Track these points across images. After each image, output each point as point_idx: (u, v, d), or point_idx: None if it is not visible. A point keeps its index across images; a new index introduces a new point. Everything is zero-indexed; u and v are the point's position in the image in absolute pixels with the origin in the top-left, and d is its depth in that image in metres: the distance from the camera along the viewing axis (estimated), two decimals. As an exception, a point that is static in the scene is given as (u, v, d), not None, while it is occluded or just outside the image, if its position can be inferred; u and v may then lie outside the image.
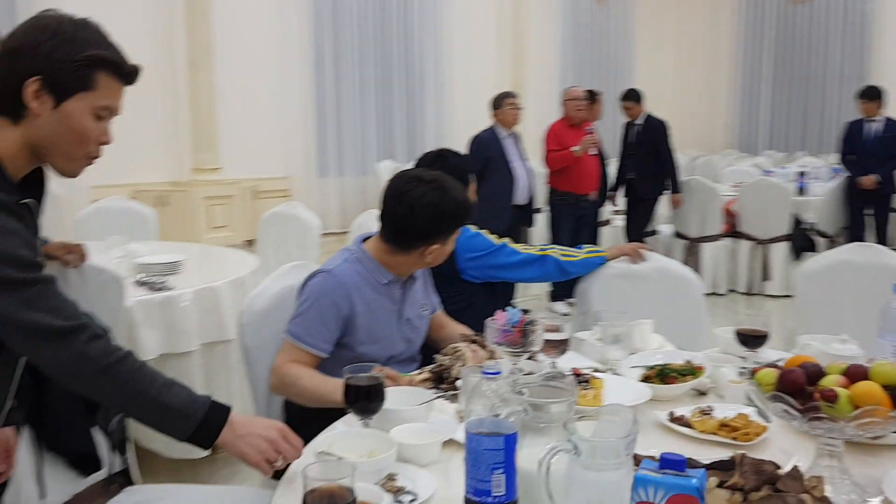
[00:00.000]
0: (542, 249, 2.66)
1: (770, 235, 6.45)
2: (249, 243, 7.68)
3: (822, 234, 6.76)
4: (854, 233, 6.69)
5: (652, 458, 1.05)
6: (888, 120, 6.60)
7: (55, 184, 4.92)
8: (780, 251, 6.43)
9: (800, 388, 1.39)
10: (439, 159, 2.68)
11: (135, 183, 7.11)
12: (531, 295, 6.57)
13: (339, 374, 1.98)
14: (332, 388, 1.84)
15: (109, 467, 2.07)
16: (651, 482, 0.97)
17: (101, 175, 6.74)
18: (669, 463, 0.96)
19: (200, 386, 2.96)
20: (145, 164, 7.34)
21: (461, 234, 2.52)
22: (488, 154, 5.31)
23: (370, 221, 3.85)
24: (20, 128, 1.34)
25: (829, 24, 12.54)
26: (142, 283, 2.90)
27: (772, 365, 1.54)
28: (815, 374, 1.43)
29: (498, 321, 1.79)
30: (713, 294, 6.48)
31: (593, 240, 6.29)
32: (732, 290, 6.63)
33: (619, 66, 13.36)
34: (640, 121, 6.39)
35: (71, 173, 1.43)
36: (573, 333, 2.06)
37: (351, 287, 2.01)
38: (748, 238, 6.53)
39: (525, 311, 1.85)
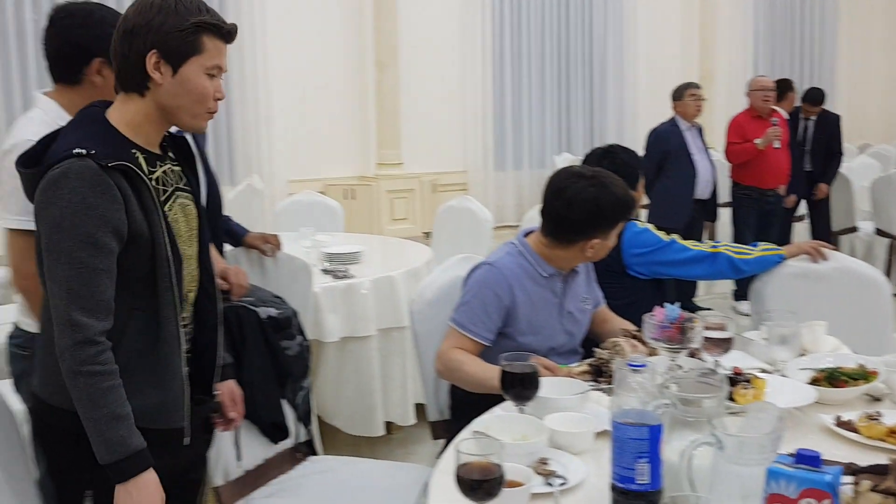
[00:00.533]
0: (713, 246, 2.61)
1: None
2: (427, 235, 7.99)
3: None
4: None
5: (790, 454, 1.06)
6: None
7: (257, 179, 5.41)
8: None
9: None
10: (607, 156, 2.70)
11: (325, 178, 7.62)
12: (716, 293, 6.35)
13: (499, 362, 2.09)
14: (491, 374, 1.94)
15: (295, 437, 2.29)
16: (784, 475, 0.98)
17: (297, 171, 7.36)
18: (804, 458, 0.97)
19: (377, 369, 3.17)
20: (335, 160, 7.84)
21: (628, 230, 2.53)
22: (667, 147, 5.20)
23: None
24: (146, 99, 1.51)
25: None
26: (327, 272, 3.16)
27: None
28: None
29: (656, 317, 1.80)
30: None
31: (784, 238, 5.98)
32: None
33: (821, 54, 12.45)
34: (813, 116, 6.06)
35: (198, 128, 1.59)
36: (738, 332, 2.03)
37: (512, 279, 2.10)
38: (961, 237, 5.95)
39: (693, 310, 1.85)
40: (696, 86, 5.44)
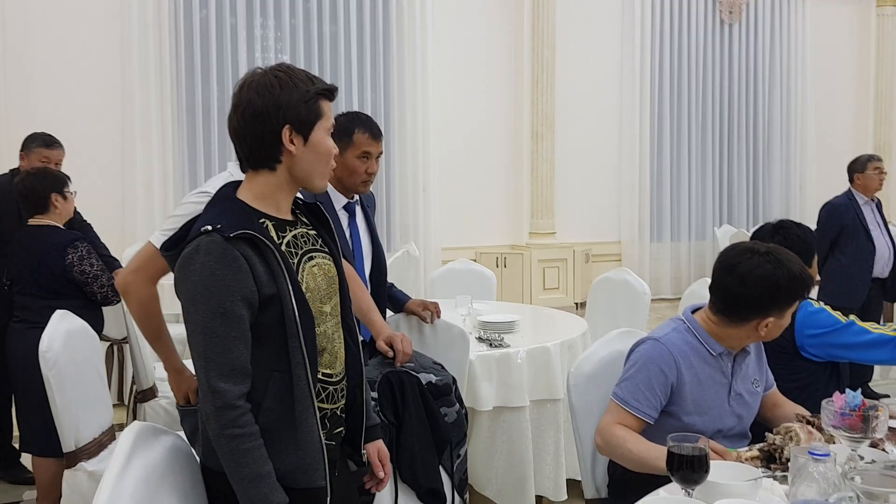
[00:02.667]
0: (895, 330, 2.44)
1: None
2: (579, 305, 7.92)
3: None
4: None
5: None
6: None
7: (413, 246, 5.60)
8: None
9: None
10: (779, 231, 2.63)
11: (478, 245, 7.78)
12: (893, 378, 5.88)
13: (662, 441, 2.03)
14: (656, 454, 1.89)
15: (450, 504, 2.32)
16: None
17: (451, 238, 7.56)
18: None
19: (529, 440, 3.15)
20: (488, 228, 8.00)
21: (802, 309, 2.43)
22: (843, 221, 4.96)
23: (703, 290, 3.81)
24: (277, 171, 1.61)
25: None
26: (482, 340, 3.21)
27: None
28: None
29: (836, 403, 1.71)
30: None
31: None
32: None
33: None
34: None
35: (323, 187, 1.68)
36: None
37: (679, 356, 2.05)
38: None
39: (869, 395, 1.75)
40: (878, 158, 5.18)
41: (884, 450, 1.82)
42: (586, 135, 8.42)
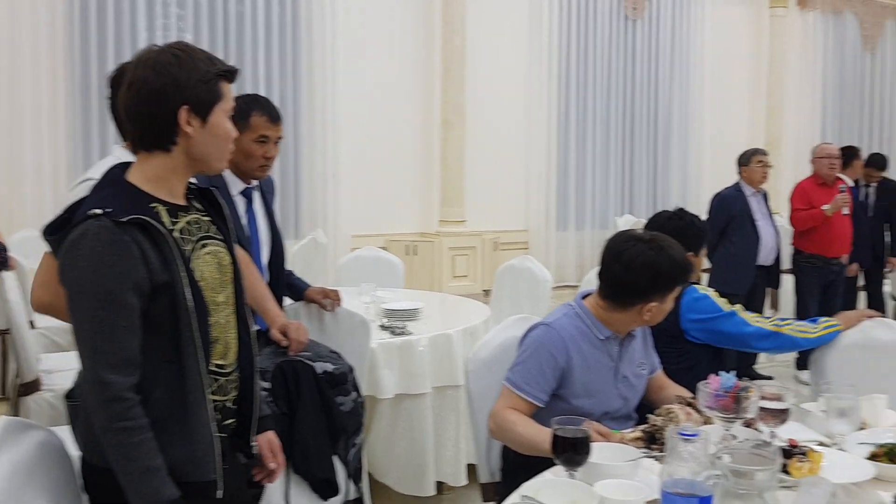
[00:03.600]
0: (776, 325, 2.56)
1: None
2: (487, 293, 8.01)
3: None
4: None
5: None
6: None
7: (321, 233, 5.53)
8: None
9: None
10: (674, 219, 2.72)
11: (388, 233, 7.75)
12: (777, 360, 6.18)
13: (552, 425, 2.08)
14: (543, 436, 1.93)
15: (345, 494, 2.31)
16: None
17: (361, 226, 7.51)
18: None
19: (430, 427, 3.17)
20: (399, 215, 7.99)
21: (687, 294, 2.52)
22: (731, 212, 5.16)
23: (599, 277, 3.91)
24: (172, 153, 1.56)
25: None
26: (385, 328, 3.21)
27: None
28: None
29: (711, 385, 1.79)
30: None
31: (848, 307, 5.81)
32: None
33: (890, 121, 12.22)
34: (874, 182, 6.00)
35: (222, 168, 1.65)
36: (797, 403, 1.98)
37: (569, 340, 2.10)
38: None
39: (753, 377, 1.83)
40: (763, 152, 5.40)
41: (756, 429, 1.91)
42: (496, 124, 8.49)
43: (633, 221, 8.74)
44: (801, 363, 5.59)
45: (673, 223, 2.69)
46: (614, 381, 2.15)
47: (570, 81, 9.06)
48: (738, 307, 2.57)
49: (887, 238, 6.01)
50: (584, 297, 2.21)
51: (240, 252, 1.79)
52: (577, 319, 2.14)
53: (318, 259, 5.78)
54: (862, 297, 6.22)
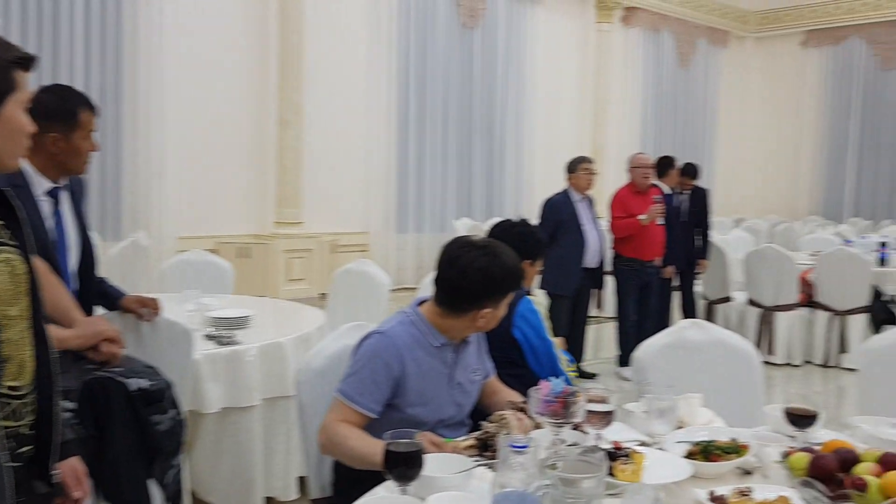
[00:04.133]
0: (566, 375, 2.67)
1: (848, 307, 6.20)
2: (325, 297, 7.87)
3: (906, 307, 6.46)
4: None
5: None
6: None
7: (144, 235, 5.17)
8: (859, 323, 6.17)
9: (830, 475, 1.36)
10: (515, 228, 2.80)
11: (218, 235, 7.43)
12: (601, 358, 6.49)
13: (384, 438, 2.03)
14: (374, 450, 1.87)
15: (163, 518, 2.14)
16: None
17: (188, 226, 7.14)
18: None
19: (259, 441, 3.03)
20: (230, 216, 7.67)
21: (522, 305, 2.58)
22: (560, 217, 5.34)
23: (436, 282, 3.91)
24: None
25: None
26: (211, 337, 3.02)
27: (807, 449, 1.50)
28: (849, 460, 1.40)
29: (541, 391, 1.80)
30: (788, 365, 6.27)
31: (663, 306, 6.19)
32: (808, 362, 6.38)
33: (702, 132, 13.24)
34: (688, 189, 6.43)
35: (14, 167, 1.50)
36: (620, 405, 2.04)
37: (403, 348, 2.06)
38: (825, 309, 6.30)
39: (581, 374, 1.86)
40: (588, 160, 5.63)
41: (583, 431, 1.95)
42: (335, 124, 8.37)
43: (470, 225, 8.90)
44: (623, 360, 5.89)
45: (515, 231, 2.78)
46: (448, 388, 2.13)
47: (410, 84, 9.10)
48: (557, 341, 2.66)
49: (698, 242, 6.45)
50: (420, 303, 2.18)
51: (37, 261, 1.60)
52: (411, 327, 2.10)
53: (140, 263, 5.40)
54: (676, 297, 6.63)
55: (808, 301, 6.40)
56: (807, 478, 1.34)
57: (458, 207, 9.75)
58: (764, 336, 6.29)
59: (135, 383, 2.04)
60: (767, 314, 6.35)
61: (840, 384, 5.94)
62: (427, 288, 4.00)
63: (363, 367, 2.03)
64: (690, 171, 6.45)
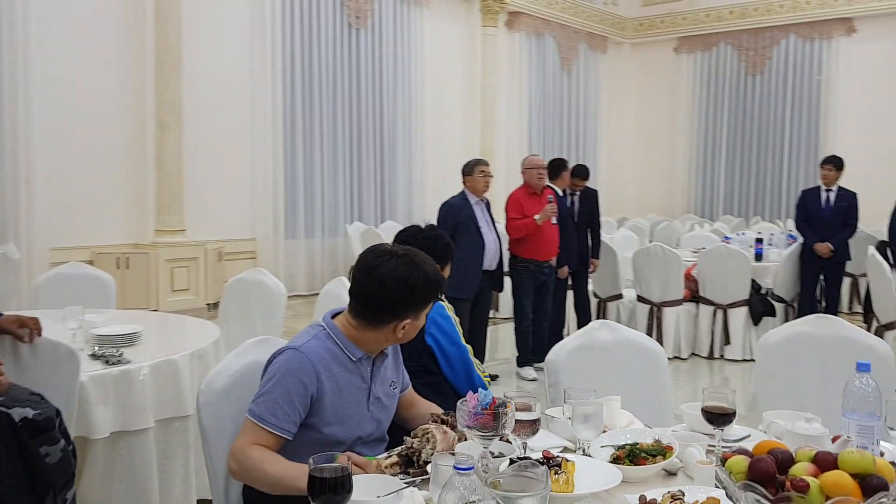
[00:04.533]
0: (482, 381, 2.63)
1: (729, 301, 6.50)
2: (211, 307, 7.55)
3: (780, 300, 6.83)
4: (807, 298, 6.79)
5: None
6: (840, 189, 6.77)
7: (12, 247, 4.78)
8: (740, 316, 6.48)
9: (770, 477, 1.36)
10: (422, 234, 2.73)
11: (95, 245, 6.99)
12: (499, 359, 6.52)
13: (302, 456, 1.91)
14: (294, 473, 1.76)
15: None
16: None
17: (61, 237, 6.67)
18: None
19: (154, 465, 2.83)
20: (107, 225, 7.24)
21: (434, 311, 2.51)
22: (458, 220, 5.31)
23: (340, 289, 3.77)
24: None
25: (782, 95, 12.95)
26: (97, 357, 2.79)
27: (742, 451, 1.51)
28: (785, 461, 1.41)
29: (469, 403, 1.73)
30: (676, 358, 6.49)
31: (558, 305, 6.29)
32: (694, 354, 6.64)
33: (584, 134, 13.63)
34: (579, 190, 6.55)
35: None
36: (543, 411, 2.01)
37: (319, 364, 1.94)
38: (709, 303, 6.58)
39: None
40: (485, 162, 5.63)
41: (508, 441, 1.90)
42: (218, 127, 8.05)
43: (363, 229, 8.78)
44: (522, 361, 5.94)
45: (424, 236, 2.70)
46: (367, 403, 2.03)
47: (296, 84, 8.88)
48: (470, 348, 2.61)
49: (589, 242, 6.59)
50: (334, 316, 2.06)
51: None
52: (327, 341, 1.99)
53: (10, 278, 4.98)
54: (570, 296, 6.75)
55: (693, 296, 6.66)
56: (747, 482, 1.32)
57: (349, 211, 9.61)
58: (652, 331, 6.49)
59: (19, 413, 1.84)
60: (656, 310, 6.56)
61: (725, 374, 6.21)
62: (328, 295, 3.88)
63: (276, 386, 1.90)
64: (581, 172, 6.58)
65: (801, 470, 1.35)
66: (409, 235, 2.70)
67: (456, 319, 2.60)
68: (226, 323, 4.05)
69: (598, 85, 13.83)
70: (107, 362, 2.73)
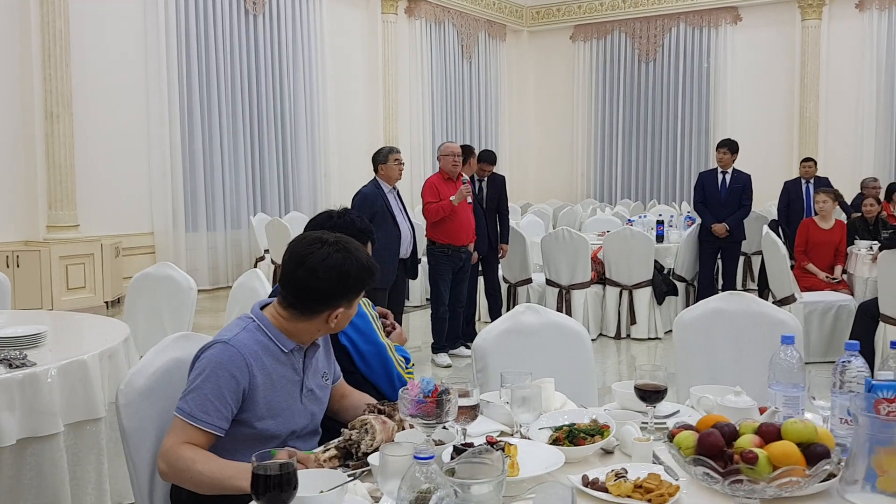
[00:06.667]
0: (408, 373, 2.51)
1: (634, 281, 6.69)
2: (110, 304, 7.21)
3: (681, 279, 7.09)
4: (706, 277, 7.08)
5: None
6: (735, 171, 7.06)
7: None
8: (645, 296, 6.68)
9: (719, 451, 1.39)
10: (333, 220, 2.56)
11: (-18, 243, 6.56)
12: (412, 347, 6.50)
13: (234, 453, 1.83)
14: (232, 472, 1.69)
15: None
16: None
17: (-57, 236, 6.21)
18: None
19: (65, 471, 2.67)
20: (-6, 222, 6.80)
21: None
22: (374, 209, 5.23)
23: (253, 281, 3.66)
24: None
25: (675, 81, 13.42)
26: (-1, 360, 2.60)
27: (687, 426, 1.54)
28: (730, 434, 1.44)
29: (411, 392, 1.70)
30: (586, 339, 6.61)
31: (472, 290, 6.32)
32: (602, 335, 6.81)
33: (487, 121, 13.74)
34: (487, 175, 6.52)
35: None
36: (482, 399, 2.00)
37: (251, 357, 1.86)
38: (615, 284, 6.75)
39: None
40: (398, 150, 5.60)
41: (445, 427, 1.87)
42: (111, 117, 7.68)
43: (266, 221, 8.57)
44: (437, 347, 5.93)
45: (335, 223, 2.54)
46: (300, 396, 1.96)
47: (193, 73, 8.57)
48: (388, 342, 2.49)
49: (499, 227, 6.60)
50: (262, 307, 1.98)
51: None
52: (257, 333, 1.91)
53: None
54: (480, 282, 6.79)
55: (599, 278, 6.82)
56: (696, 456, 1.35)
57: (253, 203, 9.36)
58: (562, 312, 6.60)
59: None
60: (565, 292, 6.69)
61: (632, 353, 6.40)
62: (241, 288, 3.75)
63: (206, 382, 1.81)
64: (488, 157, 6.59)
65: (747, 442, 1.38)
66: (320, 223, 2.54)
67: (373, 315, 2.50)
68: (132, 320, 3.87)
69: (498, 72, 13.96)
70: (10, 366, 2.55)
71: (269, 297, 2.44)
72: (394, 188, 5.47)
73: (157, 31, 8.04)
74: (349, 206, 5.28)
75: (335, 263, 1.88)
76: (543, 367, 2.50)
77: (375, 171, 5.44)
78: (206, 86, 8.72)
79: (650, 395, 1.99)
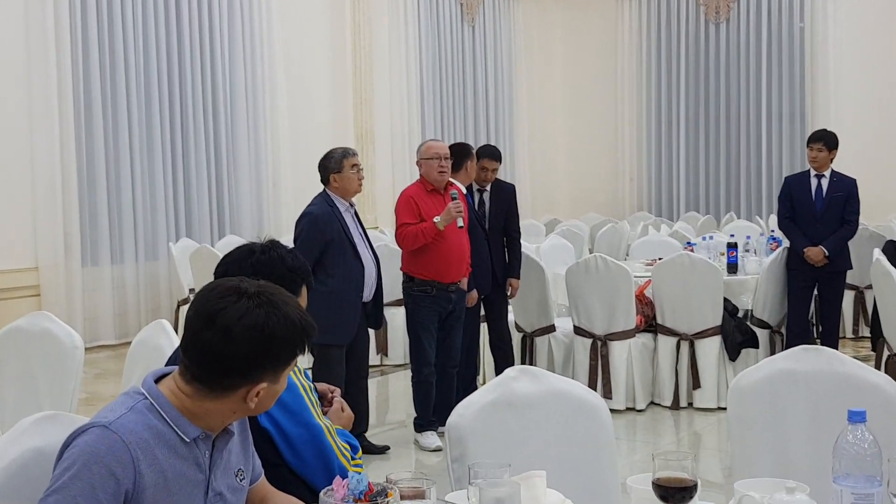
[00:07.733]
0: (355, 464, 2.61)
1: (697, 329, 6.65)
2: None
3: (763, 325, 7.02)
4: (797, 321, 7.02)
5: None
6: (835, 175, 6.99)
7: None
8: (712, 349, 6.65)
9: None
10: (254, 257, 2.61)
11: None
12: (391, 423, 6.56)
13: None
14: None
15: None
16: None
17: None
18: None
19: None
20: None
21: None
22: (328, 236, 5.24)
23: (159, 336, 3.71)
24: None
25: (755, 50, 13.43)
26: None
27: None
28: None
29: (337, 493, 1.78)
30: (630, 410, 6.61)
31: (472, 344, 6.32)
32: (654, 404, 6.77)
33: (496, 110, 13.66)
34: (487, 185, 6.53)
35: None
36: (442, 497, 2.07)
37: (138, 447, 1.92)
38: (670, 333, 6.73)
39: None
40: (354, 152, 5.59)
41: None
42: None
43: (193, 248, 8.65)
44: (421, 424, 5.92)
45: (255, 261, 2.58)
46: (205, 501, 2.04)
47: (92, 61, 8.75)
48: (327, 422, 2.56)
49: (507, 255, 6.55)
50: (158, 379, 2.06)
51: None
52: (149, 415, 1.97)
53: None
54: (484, 331, 6.79)
55: (649, 324, 6.82)
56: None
57: (174, 226, 9.47)
58: (596, 374, 6.59)
59: None
60: (599, 344, 6.66)
61: (695, 429, 6.39)
62: (142, 346, 3.81)
63: (74, 479, 1.88)
64: (490, 153, 6.47)
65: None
66: (237, 260, 2.58)
67: (307, 386, 2.56)
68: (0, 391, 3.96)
69: (511, 42, 14.02)
70: None
71: (168, 363, 2.53)
72: (351, 205, 5.50)
73: (43, 9, 8.20)
74: (295, 231, 5.33)
75: (256, 322, 1.93)
76: (543, 453, 2.55)
77: (325, 182, 5.44)
78: (109, 74, 8.87)
79: (674, 493, 2.01)
